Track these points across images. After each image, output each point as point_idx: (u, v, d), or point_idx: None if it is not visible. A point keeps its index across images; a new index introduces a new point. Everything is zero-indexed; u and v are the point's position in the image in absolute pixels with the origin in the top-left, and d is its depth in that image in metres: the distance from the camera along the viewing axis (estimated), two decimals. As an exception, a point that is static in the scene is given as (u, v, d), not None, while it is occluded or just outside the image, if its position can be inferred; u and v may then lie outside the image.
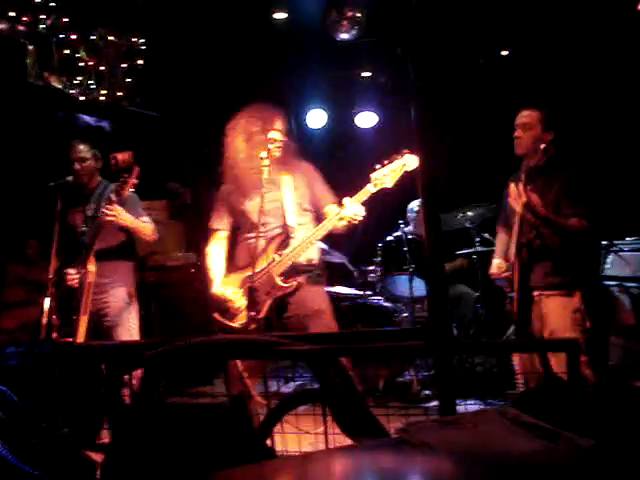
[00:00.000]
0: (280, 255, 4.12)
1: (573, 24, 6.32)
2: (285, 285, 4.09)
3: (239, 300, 4.11)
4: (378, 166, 4.04)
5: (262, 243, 4.14)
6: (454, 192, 6.11)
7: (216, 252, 4.39)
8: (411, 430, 1.56)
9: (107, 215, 4.51)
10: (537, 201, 3.84)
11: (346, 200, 4.03)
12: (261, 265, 4.12)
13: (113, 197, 4.52)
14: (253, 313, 4.01)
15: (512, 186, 3.95)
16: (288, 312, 4.15)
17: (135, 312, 4.91)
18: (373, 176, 4.01)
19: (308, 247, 4.14)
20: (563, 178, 3.97)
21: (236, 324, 4.07)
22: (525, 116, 4.17)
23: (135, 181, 4.54)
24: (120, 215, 4.57)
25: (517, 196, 3.87)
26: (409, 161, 3.93)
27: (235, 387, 3.96)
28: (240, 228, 4.36)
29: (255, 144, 4.22)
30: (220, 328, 4.10)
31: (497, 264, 4.36)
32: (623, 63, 6.23)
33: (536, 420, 1.58)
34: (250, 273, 4.03)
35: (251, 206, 4.23)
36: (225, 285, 4.21)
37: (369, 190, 4.01)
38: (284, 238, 4.18)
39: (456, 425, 1.60)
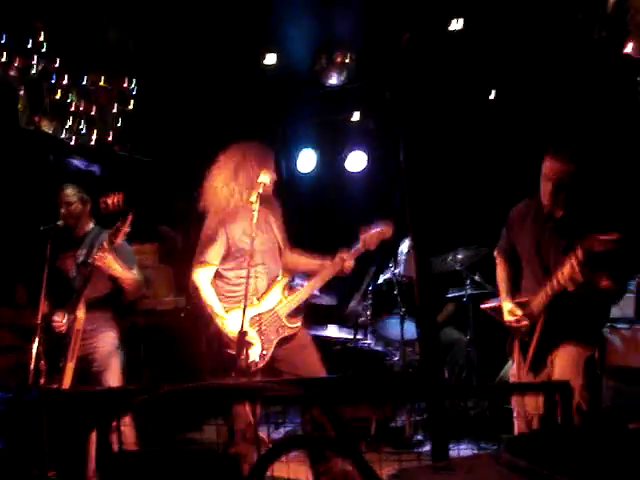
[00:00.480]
0: (286, 297, 4.36)
1: (559, 66, 6.41)
2: (292, 326, 4.32)
3: (253, 338, 4.17)
4: (364, 229, 4.48)
5: (264, 283, 4.31)
6: (443, 235, 6.12)
7: (210, 287, 4.30)
8: (404, 476, 1.54)
9: (98, 262, 4.48)
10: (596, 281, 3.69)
11: (344, 255, 4.41)
12: (267, 305, 4.28)
13: (105, 245, 4.50)
14: (265, 352, 4.18)
15: (567, 267, 3.66)
16: (284, 348, 4.30)
17: (122, 359, 4.86)
18: (362, 237, 4.44)
19: (312, 292, 4.54)
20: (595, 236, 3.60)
21: (248, 361, 4.09)
22: (566, 172, 3.82)
23: (128, 229, 4.52)
24: (111, 264, 4.54)
25: (573, 275, 3.62)
26: (387, 230, 4.49)
27: (243, 436, 4.00)
28: (229, 263, 4.33)
29: (248, 181, 4.28)
30: (232, 365, 4.09)
31: (510, 310, 4.04)
32: (609, 106, 6.31)
33: (530, 464, 1.56)
34: (258, 312, 4.22)
35: (260, 245, 4.31)
36: (233, 322, 4.19)
37: (360, 249, 4.45)
38: (289, 280, 4.49)
39: (450, 470, 1.58)
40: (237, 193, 4.28)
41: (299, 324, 4.36)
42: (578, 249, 3.58)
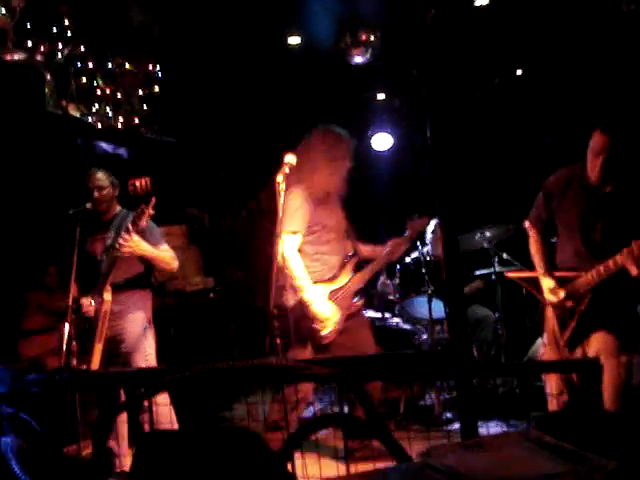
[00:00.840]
0: (354, 276, 4.59)
1: (586, 41, 6.33)
2: (358, 303, 4.63)
3: (335, 312, 4.38)
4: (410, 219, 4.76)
5: (337, 259, 4.55)
6: (472, 212, 6.09)
7: (299, 258, 4.36)
8: (434, 453, 1.55)
9: (124, 246, 4.51)
10: None
11: (399, 240, 4.69)
12: (341, 281, 4.51)
13: (130, 228, 4.52)
14: (338, 326, 4.38)
15: (634, 248, 3.56)
16: (347, 324, 4.50)
17: (152, 339, 4.89)
18: (409, 225, 4.72)
19: (372, 274, 4.76)
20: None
21: (325, 333, 4.33)
22: (616, 147, 3.77)
23: (152, 212, 4.53)
24: (138, 246, 4.56)
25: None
26: (425, 222, 4.93)
27: (295, 407, 4.22)
28: (308, 237, 4.45)
29: (338, 165, 4.46)
30: (312, 337, 4.33)
31: (552, 288, 3.95)
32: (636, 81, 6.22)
33: (560, 442, 1.56)
34: (336, 287, 4.47)
35: (335, 223, 4.53)
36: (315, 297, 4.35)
37: (409, 237, 4.76)
38: (357, 260, 4.71)
39: (479, 448, 1.58)
40: (327, 174, 4.43)
41: (362, 302, 4.66)
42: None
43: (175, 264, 4.87)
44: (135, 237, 4.53)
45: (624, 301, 3.80)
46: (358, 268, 4.73)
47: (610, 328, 3.75)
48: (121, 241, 4.50)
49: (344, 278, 4.52)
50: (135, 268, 4.80)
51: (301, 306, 4.27)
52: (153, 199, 4.51)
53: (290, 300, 4.31)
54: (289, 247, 4.31)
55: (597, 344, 3.77)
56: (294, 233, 4.34)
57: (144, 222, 4.53)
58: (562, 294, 3.89)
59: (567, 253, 4.00)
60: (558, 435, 1.59)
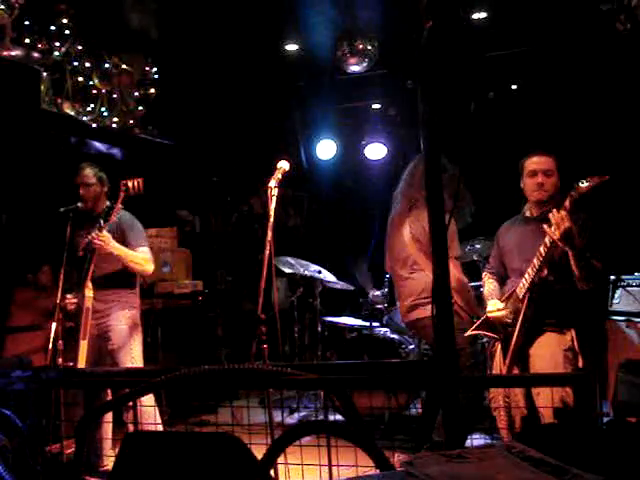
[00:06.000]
0: None
1: (581, 58, 6.37)
2: None
3: None
4: None
5: None
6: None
7: None
8: (417, 463, 1.55)
9: (94, 242, 4.53)
10: (576, 232, 3.72)
11: None
12: None
13: (102, 223, 4.55)
14: None
15: (554, 212, 3.70)
16: None
17: (139, 338, 4.89)
18: None
19: None
20: (578, 221, 3.78)
21: None
22: (545, 162, 4.09)
23: (120, 206, 4.59)
24: (107, 242, 4.56)
25: (559, 221, 3.64)
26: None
27: None
28: None
29: None
30: None
31: (494, 303, 4.16)
32: (631, 101, 6.26)
33: (543, 455, 1.57)
34: None
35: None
36: None
37: None
38: None
39: (462, 459, 1.58)
40: None
41: None
42: (566, 200, 3.66)
43: (148, 267, 4.83)
44: (106, 233, 4.55)
45: (559, 313, 3.93)
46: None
47: (547, 343, 3.90)
48: (92, 237, 4.53)
49: None
50: (117, 265, 4.78)
51: None
52: (122, 194, 4.55)
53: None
54: None
55: (538, 361, 3.89)
56: None
57: (114, 217, 4.57)
58: (506, 305, 4.08)
59: (511, 277, 4.22)
60: (542, 448, 1.60)
